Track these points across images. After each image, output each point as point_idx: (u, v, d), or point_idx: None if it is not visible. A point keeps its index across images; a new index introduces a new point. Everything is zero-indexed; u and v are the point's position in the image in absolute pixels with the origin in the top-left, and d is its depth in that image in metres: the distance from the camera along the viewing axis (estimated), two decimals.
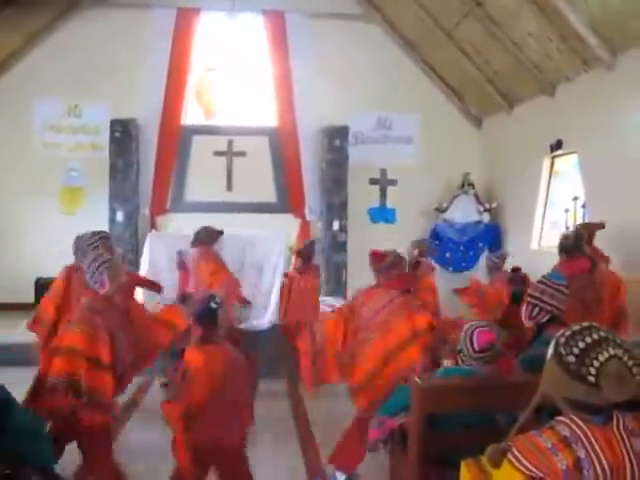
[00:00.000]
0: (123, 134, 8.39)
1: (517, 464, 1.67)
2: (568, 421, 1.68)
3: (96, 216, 8.20)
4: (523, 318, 3.31)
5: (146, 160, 8.71)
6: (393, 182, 9.32)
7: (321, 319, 4.32)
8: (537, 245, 7.95)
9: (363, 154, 9.12)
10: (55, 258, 5.27)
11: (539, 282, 3.30)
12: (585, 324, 1.72)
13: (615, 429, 1.67)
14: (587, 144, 6.65)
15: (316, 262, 6.55)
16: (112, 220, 8.35)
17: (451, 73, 9.15)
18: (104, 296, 3.42)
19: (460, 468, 2.09)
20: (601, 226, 5.31)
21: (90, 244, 4.26)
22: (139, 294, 5.65)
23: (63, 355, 3.14)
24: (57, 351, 3.18)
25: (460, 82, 9.17)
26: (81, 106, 8.83)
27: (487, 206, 8.94)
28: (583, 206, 7.02)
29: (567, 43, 6.36)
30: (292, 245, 8.37)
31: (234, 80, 9.23)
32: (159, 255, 6.76)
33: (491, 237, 8.83)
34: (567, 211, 7.37)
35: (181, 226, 8.47)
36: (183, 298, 3.39)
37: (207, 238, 5.64)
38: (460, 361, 2.98)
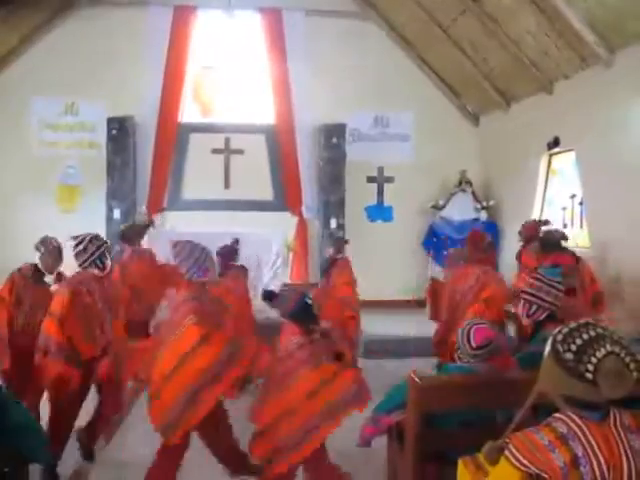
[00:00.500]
0: (120, 132, 8.35)
1: (514, 461, 1.67)
2: (565, 418, 1.68)
3: (93, 214, 8.22)
4: (520, 316, 3.32)
5: (143, 158, 8.67)
6: (390, 180, 9.33)
7: None
8: None
9: (360, 152, 9.11)
10: None
11: (535, 278, 3.30)
12: (582, 321, 1.72)
13: (612, 426, 1.67)
14: (585, 142, 6.64)
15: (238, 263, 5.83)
16: (109, 218, 8.30)
17: (448, 70, 9.14)
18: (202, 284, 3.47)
19: (457, 465, 2.10)
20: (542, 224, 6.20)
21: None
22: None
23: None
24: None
25: (457, 79, 9.17)
26: (78, 104, 8.80)
27: (484, 204, 8.94)
28: (580, 203, 7.03)
29: (565, 40, 6.36)
30: (289, 243, 8.38)
31: (231, 78, 9.21)
32: (157, 253, 6.73)
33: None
34: (564, 209, 7.39)
35: (178, 224, 8.47)
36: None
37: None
38: (458, 359, 2.99)
